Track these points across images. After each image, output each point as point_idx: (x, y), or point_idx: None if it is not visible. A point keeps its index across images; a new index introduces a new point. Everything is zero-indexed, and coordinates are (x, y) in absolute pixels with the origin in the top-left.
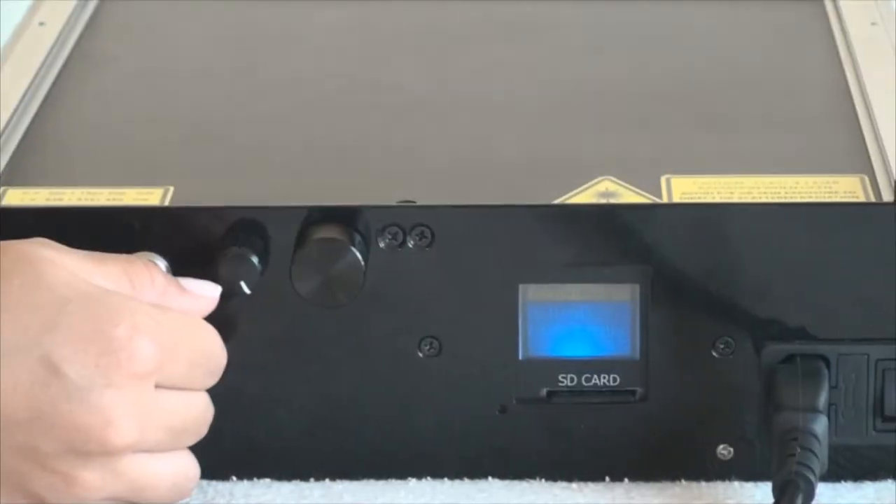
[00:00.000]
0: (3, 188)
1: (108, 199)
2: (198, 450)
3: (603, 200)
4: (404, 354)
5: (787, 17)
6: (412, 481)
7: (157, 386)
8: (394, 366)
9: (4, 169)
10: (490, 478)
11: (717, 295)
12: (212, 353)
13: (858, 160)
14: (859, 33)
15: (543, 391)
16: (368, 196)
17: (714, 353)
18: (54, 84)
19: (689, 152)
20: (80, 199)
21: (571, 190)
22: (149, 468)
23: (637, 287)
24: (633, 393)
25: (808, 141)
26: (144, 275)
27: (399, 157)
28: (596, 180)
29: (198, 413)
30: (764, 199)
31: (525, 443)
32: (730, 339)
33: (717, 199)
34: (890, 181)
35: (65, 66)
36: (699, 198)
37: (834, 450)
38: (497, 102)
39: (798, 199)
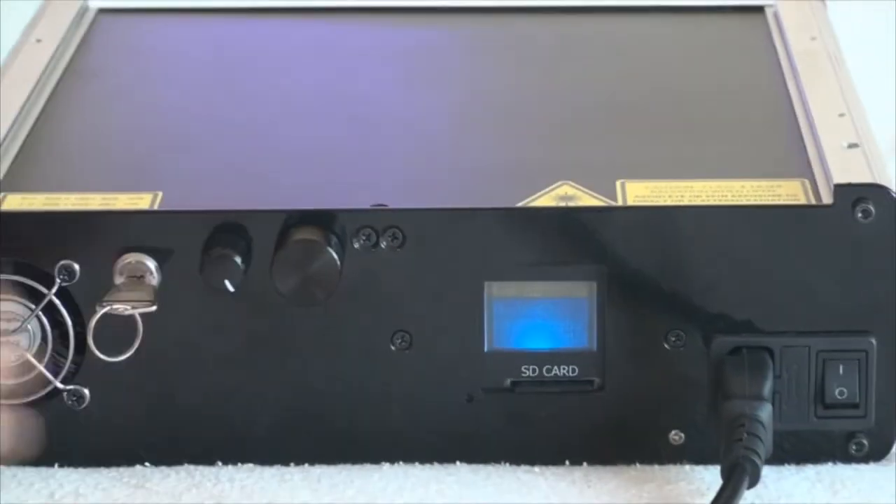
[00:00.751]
0: (3, 193)
1: (101, 204)
2: (187, 437)
3: (562, 203)
4: (378, 348)
5: (733, 31)
6: (385, 466)
7: None
8: (368, 358)
9: (4, 176)
10: (458, 462)
11: (669, 291)
12: None
13: (799, 165)
14: (799, 47)
15: (508, 381)
16: (344, 200)
17: (666, 346)
18: (51, 97)
19: (642, 158)
20: (74, 204)
21: (533, 193)
22: None
23: (594, 284)
24: (591, 383)
25: (753, 147)
26: None
27: (372, 163)
28: (556, 185)
29: None
30: (712, 202)
31: (490, 430)
32: (681, 332)
33: (669, 202)
34: (829, 185)
35: (61, 79)
36: (652, 201)
37: (778, 435)
38: (462, 111)
39: (744, 202)
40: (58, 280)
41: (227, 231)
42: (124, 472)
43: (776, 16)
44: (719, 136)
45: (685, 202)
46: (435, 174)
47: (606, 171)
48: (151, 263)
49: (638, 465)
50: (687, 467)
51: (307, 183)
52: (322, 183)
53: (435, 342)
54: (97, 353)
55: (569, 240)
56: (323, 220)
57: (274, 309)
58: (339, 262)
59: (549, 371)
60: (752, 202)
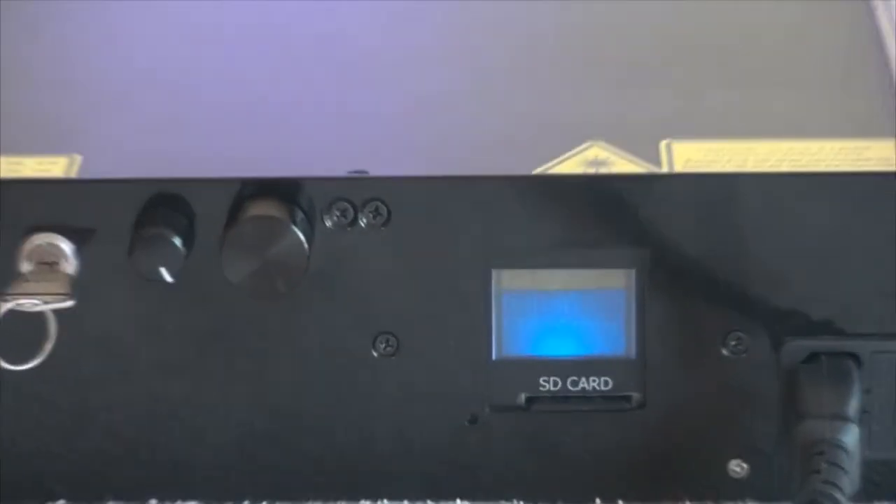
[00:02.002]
0: None
1: (6, 171)
2: (113, 466)
3: (591, 170)
4: (355, 354)
5: None
6: None
7: None
8: (343, 368)
9: None
10: (458, 500)
11: (728, 282)
12: None
13: (893, 122)
14: None
15: (521, 397)
16: (312, 166)
17: (724, 352)
18: None
19: (693, 112)
20: None
21: (554, 158)
22: None
23: (632, 273)
24: (628, 399)
25: (835, 99)
26: None
27: (349, 120)
28: (583, 146)
29: None
30: (783, 169)
31: (500, 458)
32: (742, 335)
33: (728, 169)
34: None
35: None
36: (706, 166)
37: (867, 465)
38: (464, 56)
39: (824, 168)
40: None
41: (164, 205)
42: None
43: None
44: (792, 84)
45: (748, 168)
46: (429, 134)
47: (648, 128)
48: (67, 246)
49: (688, 503)
50: None
51: (266, 145)
52: (285, 145)
53: (428, 347)
54: None
55: (600, 217)
56: (286, 190)
57: (224, 304)
58: (305, 245)
59: (574, 384)
60: (833, 168)
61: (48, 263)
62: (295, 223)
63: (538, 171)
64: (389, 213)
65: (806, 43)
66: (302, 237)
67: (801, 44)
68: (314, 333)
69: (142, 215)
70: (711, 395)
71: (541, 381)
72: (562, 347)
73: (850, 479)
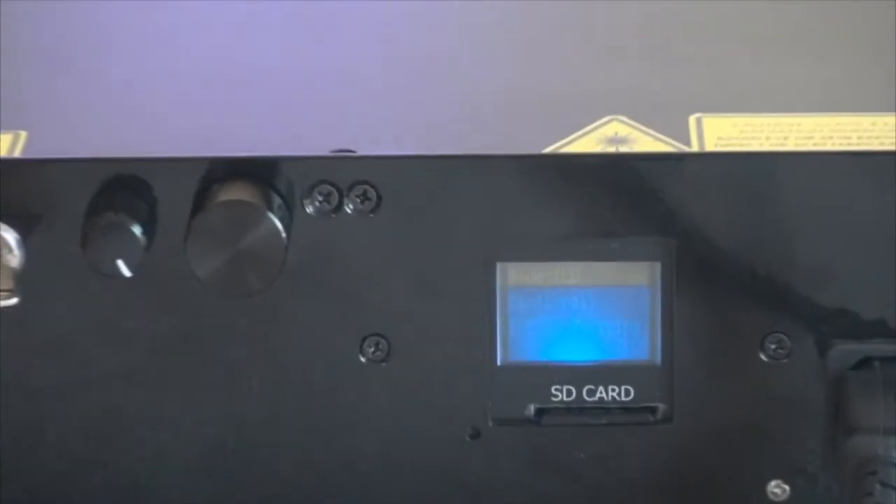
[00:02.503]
0: None
1: None
2: (65, 492)
3: (611, 148)
4: (340, 359)
5: None
6: None
7: None
8: (326, 375)
9: None
10: None
11: (767, 277)
12: None
13: None
14: None
15: (531, 408)
16: (292, 144)
17: (763, 356)
18: None
19: (727, 83)
20: None
21: (568, 134)
22: None
23: (657, 267)
24: (652, 411)
25: (890, 71)
26: None
27: (333, 90)
28: (602, 121)
29: None
30: (829, 147)
31: (505, 478)
32: (784, 337)
33: (766, 146)
34: None
35: None
36: (741, 144)
37: None
38: (468, 21)
39: (877, 146)
40: None
41: (122, 188)
42: None
43: None
44: (838, 50)
45: (789, 146)
46: (425, 108)
47: (675, 100)
48: (10, 236)
49: None
50: None
51: (239, 119)
52: (261, 120)
53: (423, 352)
54: None
55: (621, 202)
56: (261, 172)
57: (189, 302)
58: (283, 234)
59: (591, 394)
60: (889, 146)
61: None
62: (271, 209)
63: (550, 149)
64: (379, 197)
65: (855, 8)
66: (279, 225)
67: (850, 9)
68: (293, 336)
69: (96, 200)
70: (748, 406)
71: (553, 390)
72: (577, 352)
73: None
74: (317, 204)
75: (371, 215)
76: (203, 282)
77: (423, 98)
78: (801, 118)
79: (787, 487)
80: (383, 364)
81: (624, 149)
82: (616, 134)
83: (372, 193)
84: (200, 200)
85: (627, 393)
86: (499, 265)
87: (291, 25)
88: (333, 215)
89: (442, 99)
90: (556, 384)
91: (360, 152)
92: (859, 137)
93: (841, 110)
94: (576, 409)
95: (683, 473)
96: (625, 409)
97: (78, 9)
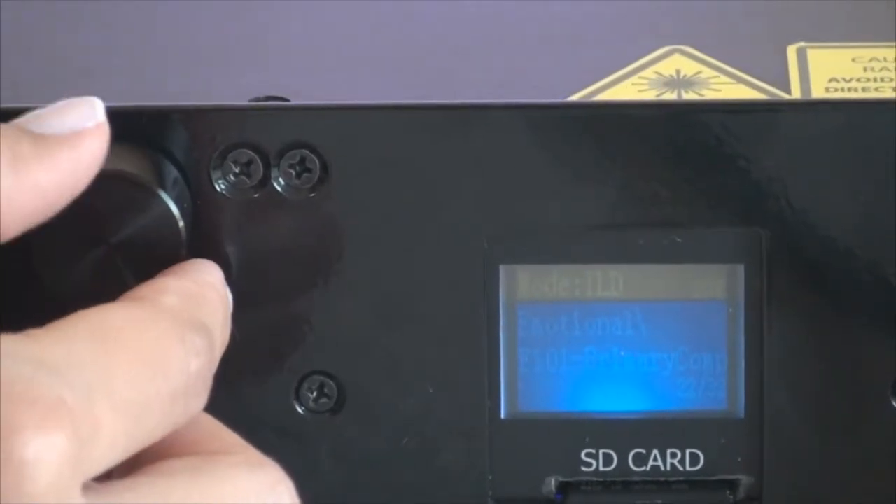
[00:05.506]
0: None
1: None
2: None
3: (671, 95)
4: (268, 409)
5: None
6: None
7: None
8: (250, 431)
9: None
10: None
11: None
12: (168, 357)
13: None
14: None
15: (551, 483)
16: (199, 92)
17: None
18: None
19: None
20: None
21: (608, 72)
22: None
23: (740, 272)
24: (731, 485)
25: None
26: None
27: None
28: (658, 52)
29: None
30: None
31: None
32: None
33: None
34: None
35: None
36: (864, 89)
37: None
38: None
39: None
40: None
41: None
42: None
43: None
44: None
45: None
46: (391, 38)
47: (766, 26)
48: None
49: None
50: None
51: (120, 61)
52: (153, 62)
53: (389, 398)
54: None
55: (684, 174)
56: (148, 130)
57: (56, 309)
58: (181, 223)
59: (640, 462)
60: None
61: None
62: (163, 186)
63: (580, 94)
64: (324, 168)
65: None
66: (174, 210)
67: None
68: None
69: None
70: (873, 478)
71: (583, 455)
72: (619, 399)
73: None
74: (231, 178)
75: (311, 194)
76: (69, 284)
77: (400, 17)
78: None
79: None
80: (330, 416)
81: (690, 95)
82: (678, 72)
83: (313, 162)
84: None
85: (695, 460)
86: (503, 269)
87: None
88: (256, 195)
89: (428, 17)
90: (588, 447)
91: (296, 100)
92: None
93: None
94: (618, 483)
95: None
96: (691, 483)
97: None
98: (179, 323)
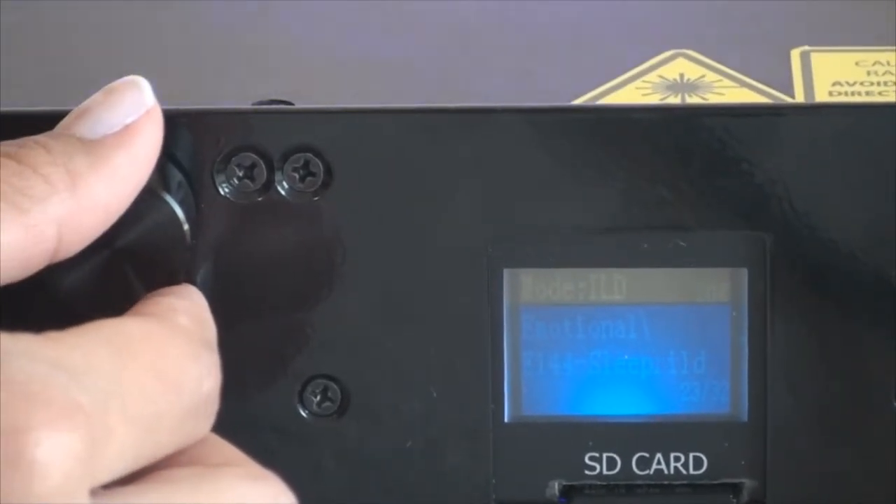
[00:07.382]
0: None
1: None
2: None
3: (675, 98)
4: (272, 413)
5: None
6: None
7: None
8: (251, 435)
9: None
10: None
11: None
12: (183, 375)
13: None
14: None
15: (555, 487)
16: (202, 95)
17: None
18: None
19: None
20: None
21: (612, 76)
22: None
23: (743, 275)
24: (735, 489)
25: None
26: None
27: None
28: (662, 56)
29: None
30: None
31: None
32: None
33: None
34: None
35: None
36: (868, 92)
37: None
38: None
39: None
40: None
41: None
42: None
43: None
44: None
45: None
46: (403, 38)
47: (770, 29)
48: None
49: None
50: None
51: (127, 64)
52: (159, 63)
53: (393, 402)
54: None
55: (687, 179)
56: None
57: (55, 322)
58: (186, 227)
59: (643, 465)
60: None
61: None
62: (168, 190)
63: (584, 98)
64: (328, 171)
65: None
66: (180, 213)
67: None
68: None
69: None
70: (876, 482)
71: (587, 459)
72: (623, 403)
73: None
74: (235, 181)
75: (315, 198)
76: (67, 293)
77: (404, 21)
78: None
79: None
80: (334, 420)
81: (693, 99)
82: (682, 75)
83: (316, 165)
84: None
85: (699, 464)
86: (507, 273)
87: None
88: (260, 199)
89: (430, 22)
90: (591, 451)
91: (300, 104)
92: None
93: None
94: (622, 486)
95: None
96: (694, 487)
97: None
98: (194, 343)
